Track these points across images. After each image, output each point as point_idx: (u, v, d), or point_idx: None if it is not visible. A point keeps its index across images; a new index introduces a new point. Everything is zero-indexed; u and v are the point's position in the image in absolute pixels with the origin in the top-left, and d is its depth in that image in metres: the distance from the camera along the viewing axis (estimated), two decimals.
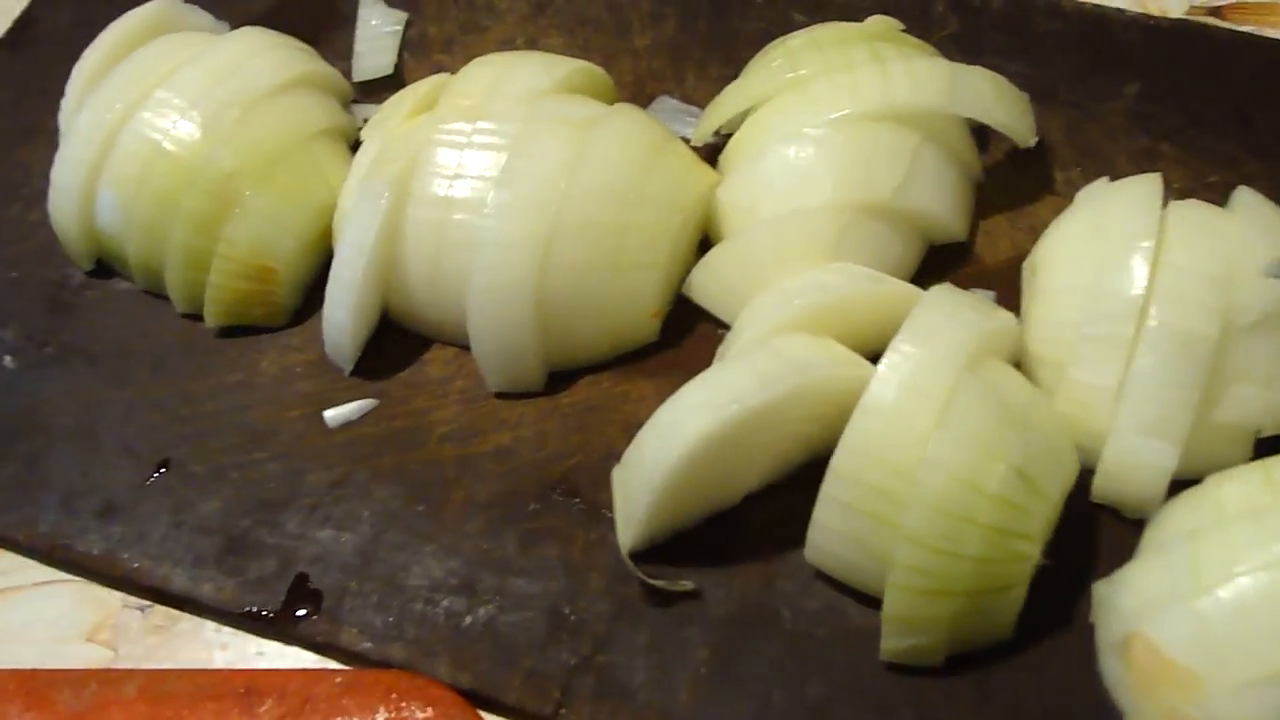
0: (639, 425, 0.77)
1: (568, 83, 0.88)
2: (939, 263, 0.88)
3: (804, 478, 0.77)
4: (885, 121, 0.83)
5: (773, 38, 0.94)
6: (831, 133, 0.83)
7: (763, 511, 0.79)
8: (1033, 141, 0.89)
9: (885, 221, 0.84)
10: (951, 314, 0.75)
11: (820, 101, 0.84)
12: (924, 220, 0.85)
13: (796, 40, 0.90)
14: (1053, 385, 0.78)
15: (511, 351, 0.83)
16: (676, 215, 0.84)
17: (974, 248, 0.89)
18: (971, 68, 0.86)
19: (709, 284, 0.85)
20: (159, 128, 0.88)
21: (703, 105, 0.95)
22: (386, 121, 0.89)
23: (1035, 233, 0.86)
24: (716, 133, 0.91)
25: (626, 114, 0.86)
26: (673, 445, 0.73)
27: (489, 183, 0.82)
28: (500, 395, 0.86)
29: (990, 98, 0.86)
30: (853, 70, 0.85)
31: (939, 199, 0.85)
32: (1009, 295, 0.85)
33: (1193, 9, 1.02)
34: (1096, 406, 0.76)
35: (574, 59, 0.90)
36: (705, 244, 0.88)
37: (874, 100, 0.83)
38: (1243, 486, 0.71)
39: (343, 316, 0.84)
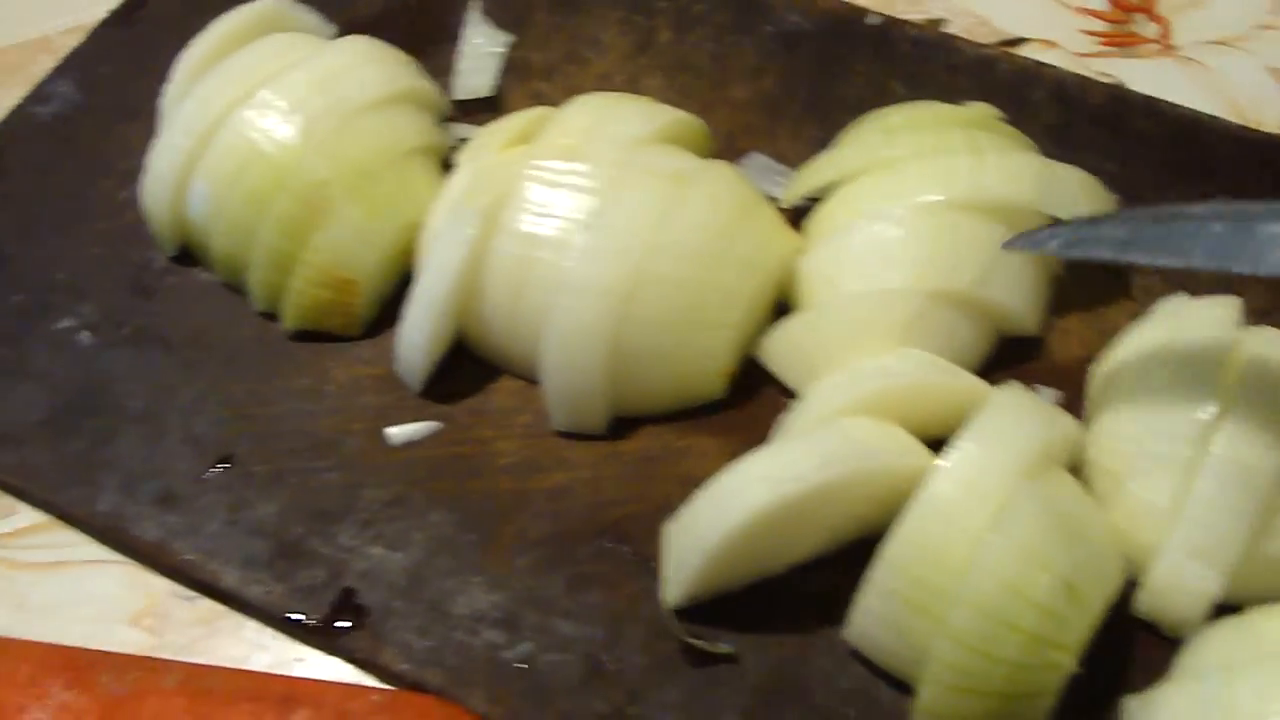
0: (696, 481, 0.78)
1: (667, 131, 0.89)
2: (1008, 355, 0.88)
3: (849, 553, 0.78)
4: (973, 211, 0.84)
5: (870, 105, 0.95)
6: (918, 216, 0.84)
7: (805, 583, 0.80)
8: None
9: (961, 310, 0.84)
10: (1018, 418, 0.75)
11: (911, 183, 0.85)
12: (999, 313, 0.86)
13: (895, 118, 0.90)
14: (1108, 495, 0.79)
15: (579, 393, 0.84)
16: (758, 277, 0.85)
17: (1044, 344, 0.89)
18: (1064, 166, 0.87)
19: (782, 350, 0.86)
20: (259, 127, 0.89)
21: (793, 165, 0.95)
22: (483, 149, 0.90)
23: (1107, 336, 0.86)
24: (803, 197, 0.91)
25: (719, 172, 0.87)
26: (730, 513, 0.74)
27: (576, 225, 0.83)
28: (562, 434, 0.87)
29: (1080, 199, 0.86)
30: (947, 156, 0.85)
31: (1016, 293, 0.85)
32: (1074, 395, 0.86)
33: None
34: (1149, 523, 0.77)
35: (675, 109, 0.91)
36: (781, 307, 0.89)
37: (964, 189, 0.84)
38: None
39: (419, 337, 0.86)
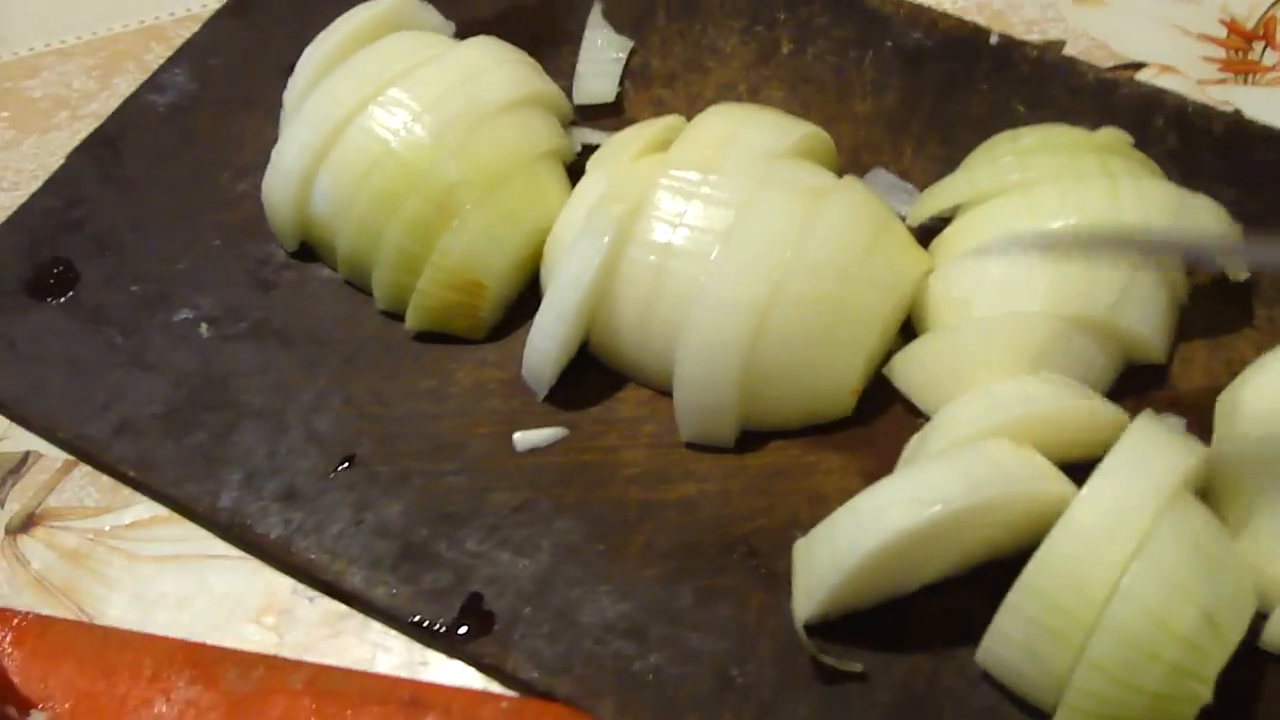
0: (823, 498, 0.78)
1: (800, 146, 0.89)
2: (1134, 382, 0.88)
3: (979, 575, 0.78)
4: None
5: (993, 124, 0.95)
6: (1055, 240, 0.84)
7: (934, 603, 0.80)
8: (1244, 276, 0.89)
9: (1093, 336, 0.84)
10: (1160, 446, 0.75)
11: (1046, 208, 0.85)
12: (1131, 340, 0.85)
13: (1027, 140, 0.90)
14: (1237, 525, 0.79)
15: (711, 407, 0.84)
16: (892, 297, 0.85)
17: (1169, 372, 0.89)
18: (1196, 195, 0.87)
19: (912, 371, 0.86)
20: (389, 127, 0.89)
21: (917, 182, 0.95)
22: (615, 157, 0.90)
23: (1232, 365, 0.86)
24: (932, 216, 0.91)
25: (854, 188, 0.87)
26: (871, 533, 0.74)
27: (712, 237, 0.83)
28: (689, 446, 0.87)
29: (1212, 227, 0.86)
30: (1082, 181, 0.85)
31: (1149, 321, 0.85)
32: (1198, 425, 0.85)
33: None
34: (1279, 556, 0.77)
35: (807, 123, 0.91)
36: (906, 326, 0.89)
37: (1099, 215, 0.84)
38: None
39: (549, 344, 0.85)
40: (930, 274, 0.87)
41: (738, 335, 0.82)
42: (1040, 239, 0.83)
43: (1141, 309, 0.85)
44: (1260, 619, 0.77)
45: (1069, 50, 1.07)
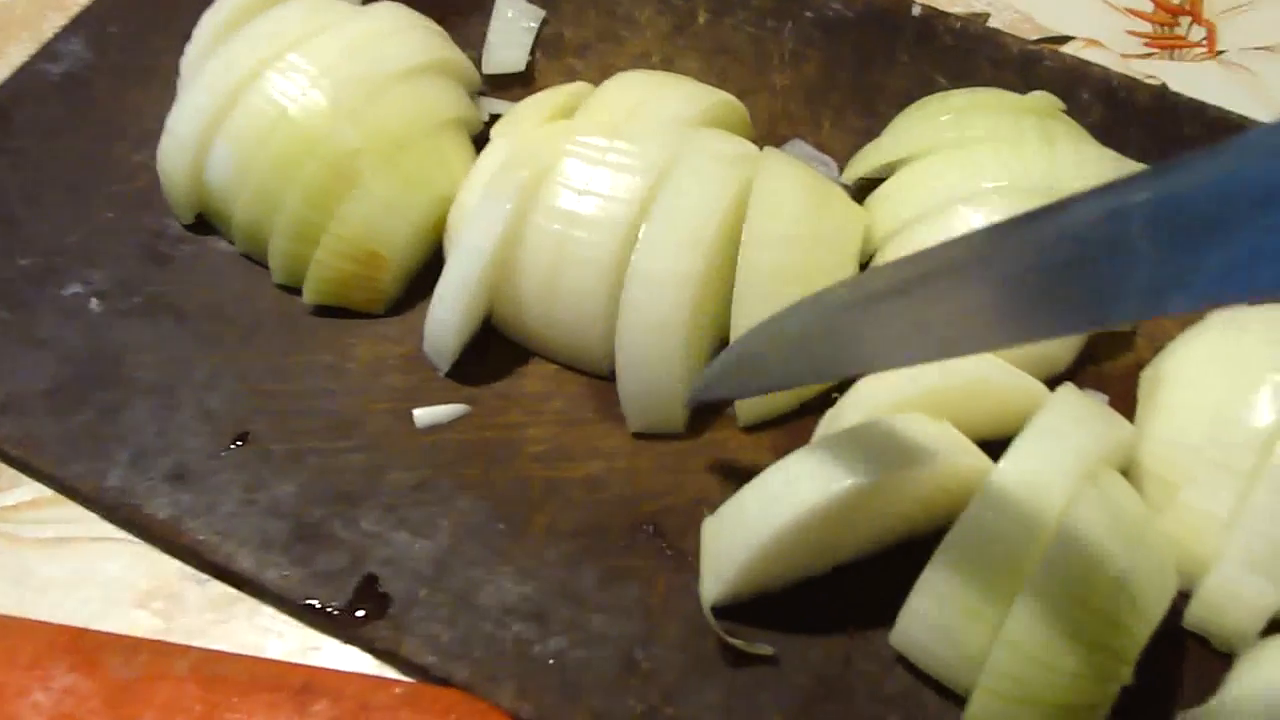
0: (734, 473, 0.76)
1: (711, 114, 0.86)
2: None
3: (894, 555, 0.76)
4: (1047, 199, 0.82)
5: (913, 96, 0.93)
6: (995, 202, 0.81)
7: (848, 584, 0.77)
8: None
9: None
10: (1079, 419, 0.73)
11: (985, 168, 0.83)
12: None
13: (959, 99, 0.88)
14: (1161, 503, 0.76)
15: (659, 393, 0.81)
16: (846, 256, 0.83)
17: (1091, 348, 0.86)
18: (1133, 163, 0.85)
19: None
20: (287, 92, 0.86)
21: (835, 153, 0.93)
22: (520, 123, 0.87)
23: (1154, 340, 0.85)
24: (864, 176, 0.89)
25: (778, 157, 0.84)
26: (780, 511, 0.71)
27: (620, 205, 0.80)
28: (596, 423, 0.84)
29: None
30: (1020, 143, 0.83)
31: None
32: (1121, 401, 0.83)
33: None
34: (1204, 533, 0.74)
35: (718, 90, 0.89)
36: None
37: (1038, 177, 0.82)
38: None
39: (450, 315, 0.82)
40: (872, 245, 0.85)
41: (678, 313, 0.79)
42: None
43: None
44: (1183, 598, 0.75)
45: (993, 23, 1.05)
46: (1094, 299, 0.52)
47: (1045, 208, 0.54)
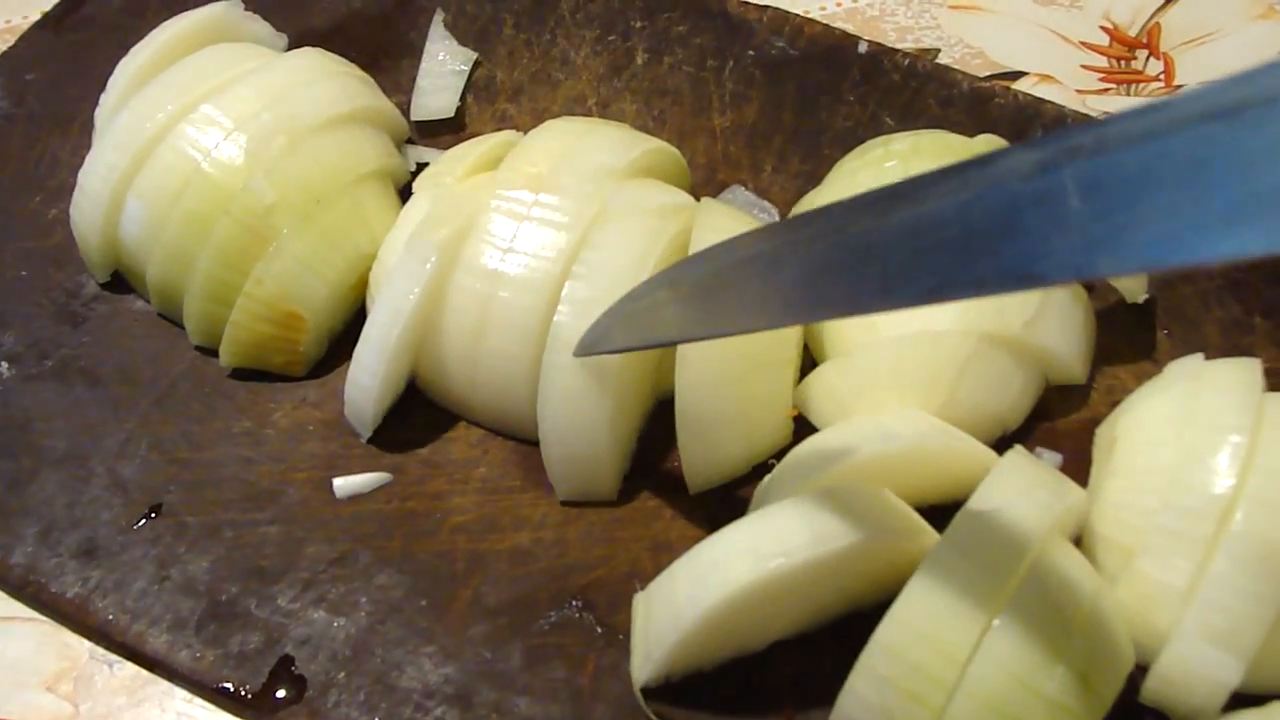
0: (667, 546, 0.72)
1: (642, 163, 0.83)
2: None
3: (836, 630, 0.73)
4: None
5: (859, 138, 0.89)
6: None
7: (787, 661, 0.74)
8: (1142, 298, 0.84)
9: (1011, 355, 0.78)
10: (1025, 490, 0.69)
11: None
12: (1048, 359, 0.80)
13: (901, 143, 0.84)
14: (1116, 571, 0.73)
15: (586, 458, 0.77)
16: None
17: (1044, 403, 0.83)
18: None
19: (820, 398, 0.79)
20: (200, 145, 0.82)
21: (777, 200, 0.90)
22: (443, 176, 0.83)
23: (1111, 394, 0.81)
24: None
25: (715, 207, 0.81)
26: (710, 589, 0.67)
27: (546, 262, 0.77)
28: (522, 492, 0.80)
29: None
30: None
31: (1065, 338, 0.80)
32: (1076, 459, 0.80)
33: None
34: (1161, 604, 0.71)
35: (650, 138, 0.85)
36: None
37: None
38: None
39: (369, 380, 0.79)
40: None
41: (602, 376, 0.75)
42: None
43: (1058, 326, 0.80)
44: (1140, 672, 0.71)
45: (944, 59, 1.02)
46: (1022, 256, 0.49)
47: (972, 159, 0.51)
